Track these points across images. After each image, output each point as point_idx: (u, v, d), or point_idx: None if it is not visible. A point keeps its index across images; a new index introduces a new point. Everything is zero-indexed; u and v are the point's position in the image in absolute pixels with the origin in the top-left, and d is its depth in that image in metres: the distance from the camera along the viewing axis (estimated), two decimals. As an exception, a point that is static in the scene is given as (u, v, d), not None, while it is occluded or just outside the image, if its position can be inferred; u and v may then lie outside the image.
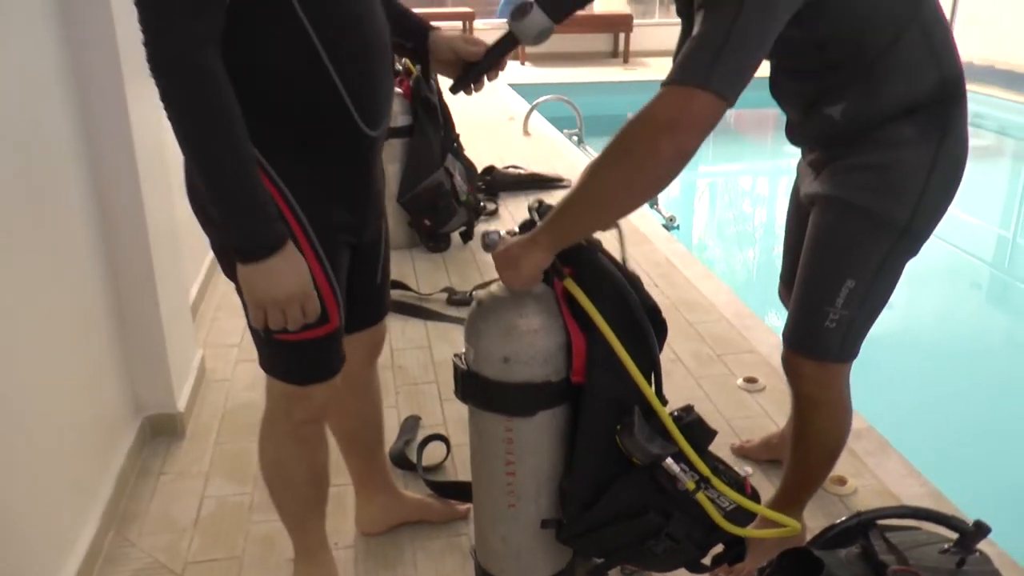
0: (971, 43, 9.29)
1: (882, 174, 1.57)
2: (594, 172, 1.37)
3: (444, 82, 1.78)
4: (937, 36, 1.52)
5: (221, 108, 1.25)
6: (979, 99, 8.65)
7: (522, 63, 10.41)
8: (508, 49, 1.59)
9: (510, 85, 8.64)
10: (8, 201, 1.72)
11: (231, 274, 1.46)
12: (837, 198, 1.63)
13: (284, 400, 1.61)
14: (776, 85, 1.70)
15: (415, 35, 1.67)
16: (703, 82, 1.26)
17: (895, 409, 3.45)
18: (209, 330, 3.17)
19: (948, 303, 5.09)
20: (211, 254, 3.60)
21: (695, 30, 1.30)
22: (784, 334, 1.77)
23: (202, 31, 1.23)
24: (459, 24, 10.34)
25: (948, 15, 8.29)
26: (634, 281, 1.55)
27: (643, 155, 1.31)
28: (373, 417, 1.99)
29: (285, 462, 1.68)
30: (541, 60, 10.39)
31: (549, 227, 1.44)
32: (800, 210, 1.85)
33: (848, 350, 1.71)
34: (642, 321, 1.51)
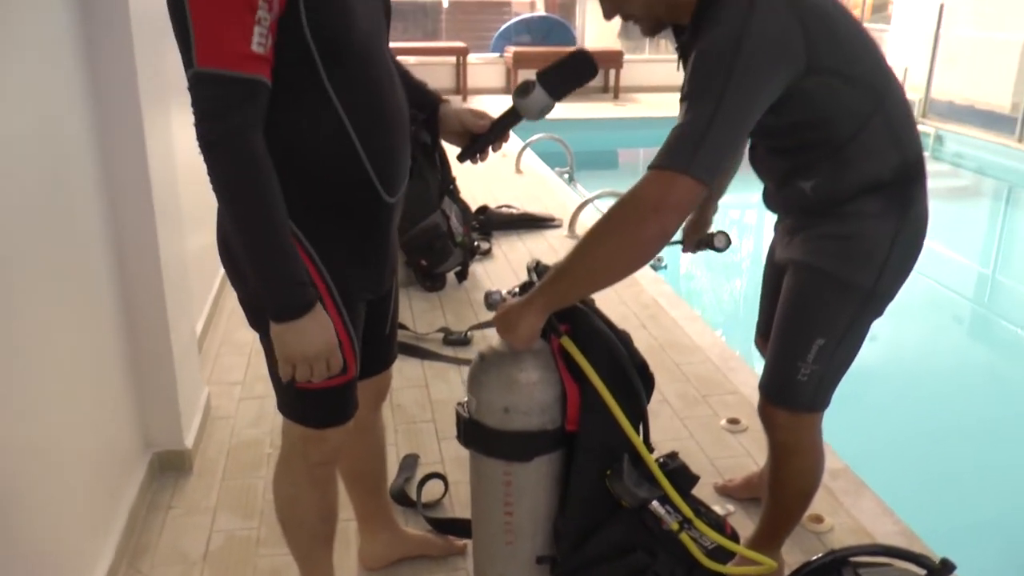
0: (951, 83, 9.54)
1: (848, 244, 1.72)
2: (586, 245, 1.52)
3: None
4: (899, 124, 1.67)
5: (265, 188, 1.38)
6: (959, 139, 8.86)
7: (514, 98, 10.60)
8: (511, 124, 1.74)
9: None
10: (31, 238, 1.81)
11: (256, 326, 1.59)
12: (808, 264, 1.77)
13: (301, 442, 1.72)
14: (754, 157, 1.85)
15: (428, 106, 1.81)
16: (685, 168, 1.41)
17: (873, 447, 3.58)
18: (213, 367, 3.28)
19: (929, 338, 5.21)
20: (214, 291, 3.74)
21: (679, 119, 1.45)
22: (760, 385, 1.90)
23: (250, 116, 1.36)
24: (453, 59, 10.54)
25: (928, 57, 8.51)
26: (624, 339, 1.68)
27: (630, 233, 1.47)
28: (377, 458, 2.11)
29: (299, 500, 1.80)
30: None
31: (543, 293, 1.57)
32: (775, 269, 1.99)
33: (819, 401, 1.85)
34: (631, 376, 1.64)
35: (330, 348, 1.49)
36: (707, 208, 2.30)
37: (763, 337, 2.09)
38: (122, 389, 2.39)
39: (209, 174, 1.38)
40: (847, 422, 3.49)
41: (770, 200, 1.89)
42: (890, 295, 1.79)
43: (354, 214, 1.59)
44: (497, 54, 11.46)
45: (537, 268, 1.73)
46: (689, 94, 1.46)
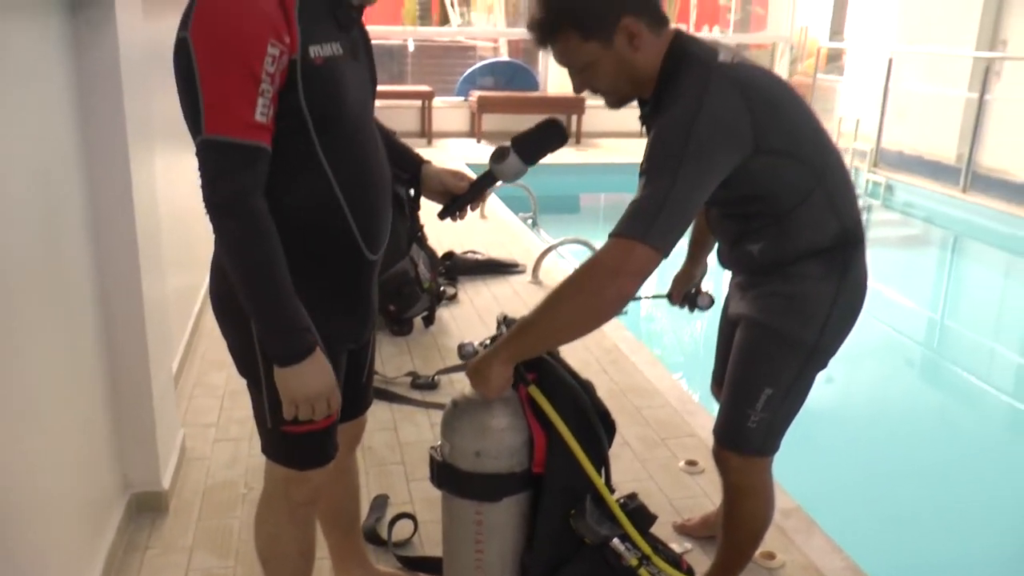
0: (901, 135, 9.88)
1: (793, 302, 1.88)
2: (551, 303, 1.67)
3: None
4: (838, 197, 1.84)
5: (268, 245, 1.51)
6: (908, 189, 9.17)
7: (478, 141, 10.79)
8: (488, 185, 1.89)
9: (468, 164, 8.99)
10: (21, 280, 1.87)
11: (246, 373, 1.70)
12: (756, 320, 1.93)
13: (284, 483, 1.82)
14: (709, 220, 2.02)
15: (410, 167, 1.96)
16: (643, 236, 1.57)
17: (825, 487, 3.72)
18: (187, 409, 3.36)
19: (880, 382, 5.39)
20: (187, 334, 3.82)
21: (638, 192, 1.61)
22: (714, 430, 2.04)
23: (253, 180, 1.48)
24: (419, 103, 10.72)
25: (879, 109, 8.83)
26: (587, 388, 1.82)
27: (590, 295, 1.63)
28: (352, 499, 2.22)
29: (281, 539, 1.89)
30: (497, 139, 10.75)
31: (509, 345, 1.72)
32: (729, 322, 2.14)
33: (768, 446, 1.99)
34: (594, 423, 1.78)
35: (330, 388, 1.61)
36: (696, 263, 2.43)
37: (718, 385, 2.24)
38: (103, 430, 2.47)
39: (215, 233, 1.51)
40: (801, 463, 3.65)
41: (723, 258, 2.05)
42: (832, 350, 1.95)
43: (339, 269, 1.72)
44: (462, 98, 11.65)
45: (506, 321, 1.87)
46: (648, 170, 1.62)
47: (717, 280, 2.33)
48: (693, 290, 2.44)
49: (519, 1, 17.49)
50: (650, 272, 1.61)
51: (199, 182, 1.49)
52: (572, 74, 1.82)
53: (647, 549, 1.79)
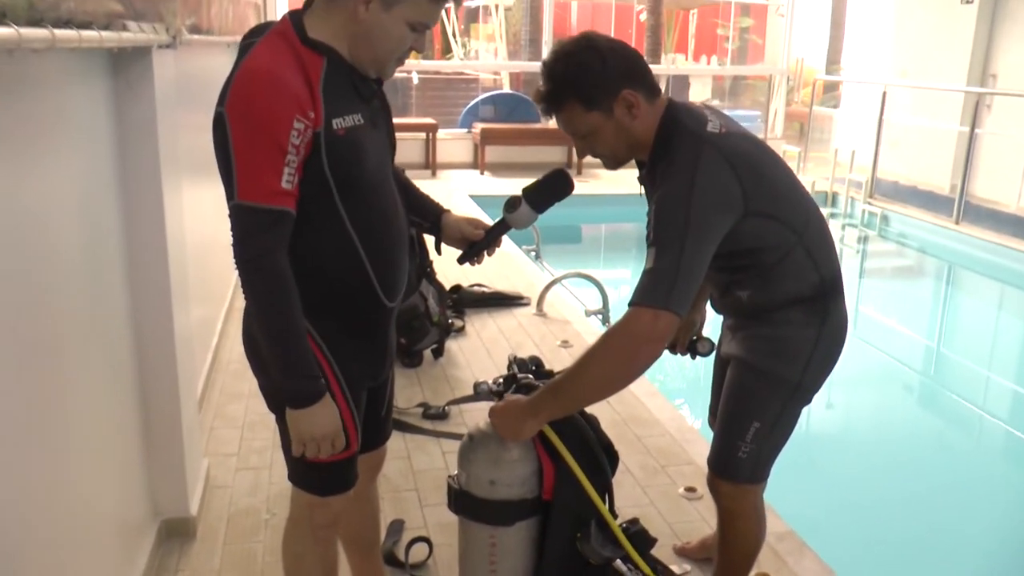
0: (895, 165, 10.10)
1: (777, 345, 2.06)
2: (584, 368, 1.86)
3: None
4: (817, 251, 2.03)
5: (287, 299, 1.69)
6: (903, 220, 9.36)
7: (481, 173, 11.01)
8: (502, 233, 2.07)
9: (471, 196, 9.19)
10: (69, 316, 2.04)
11: (274, 409, 1.89)
12: (744, 360, 2.11)
13: (307, 507, 1.99)
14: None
15: (430, 217, 2.14)
16: (664, 304, 1.77)
17: (819, 512, 3.88)
18: (209, 440, 3.52)
19: (877, 408, 5.56)
20: (207, 367, 4.00)
21: (648, 263, 1.81)
22: (708, 460, 2.22)
23: (278, 240, 1.66)
24: (423, 135, 10.94)
25: (873, 140, 9.04)
26: (592, 422, 1.99)
27: (624, 361, 1.83)
28: (372, 523, 2.38)
29: (305, 558, 2.06)
30: (500, 171, 11.00)
31: (546, 406, 1.90)
32: (722, 361, 2.31)
33: (758, 475, 2.16)
34: (598, 454, 1.95)
35: (335, 431, 1.79)
36: (696, 311, 2.58)
37: (714, 417, 2.41)
38: (136, 460, 2.64)
39: (243, 286, 1.69)
40: (797, 489, 3.83)
41: (715, 304, 2.24)
42: (814, 388, 2.13)
43: (360, 317, 1.90)
44: (465, 130, 11.88)
45: (516, 361, 2.05)
46: (656, 241, 1.82)
47: (714, 326, 2.49)
48: (694, 337, 2.60)
49: (519, 32, 17.82)
50: (674, 333, 1.82)
51: (231, 239, 1.68)
52: (576, 140, 2.02)
53: (647, 570, 1.96)
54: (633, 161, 2.09)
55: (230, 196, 1.66)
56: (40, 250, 1.82)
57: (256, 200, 1.63)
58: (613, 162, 2.06)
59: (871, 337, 6.94)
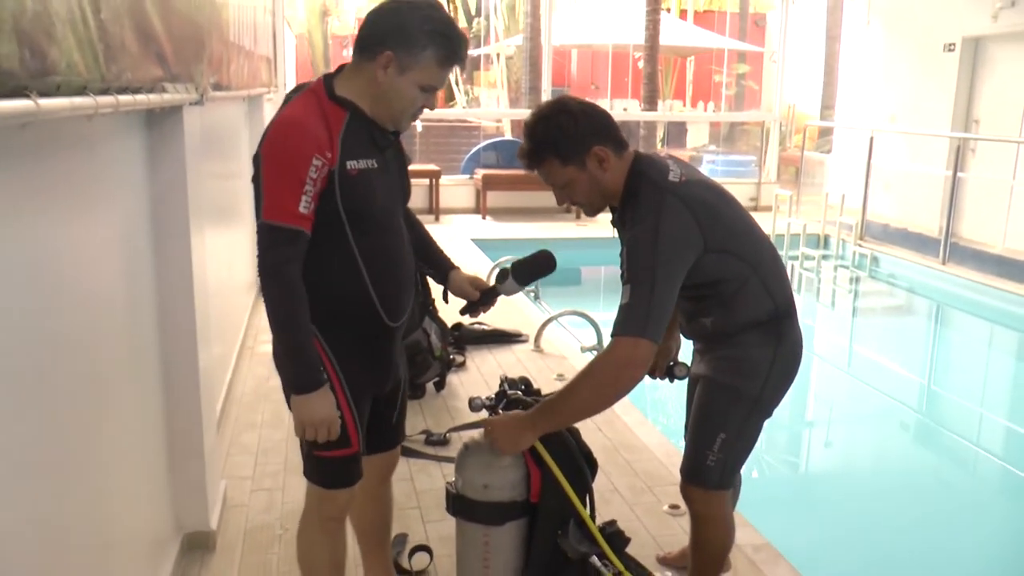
0: (886, 208, 10.40)
1: (738, 364, 2.33)
2: (574, 390, 2.17)
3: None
4: (770, 281, 2.31)
5: (295, 303, 2.02)
6: (892, 261, 9.63)
7: (483, 217, 11.32)
8: (493, 297, 2.42)
9: (473, 240, 9.49)
10: (109, 350, 2.31)
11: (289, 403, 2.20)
12: (710, 378, 2.37)
13: (316, 499, 2.29)
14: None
15: (440, 270, 2.49)
16: (642, 333, 2.06)
17: (809, 542, 4.09)
18: (225, 464, 3.77)
19: (869, 442, 5.76)
20: (222, 398, 4.26)
21: (624, 298, 2.10)
22: (680, 469, 2.47)
23: (292, 254, 1.99)
24: (427, 181, 11.26)
25: (863, 182, 9.33)
26: (573, 432, 2.26)
27: (609, 383, 2.13)
28: (383, 520, 2.64)
29: (314, 547, 2.34)
30: (501, 215, 11.32)
31: (541, 421, 2.17)
32: (692, 381, 2.58)
33: (725, 482, 2.41)
34: (579, 461, 2.21)
35: (331, 419, 2.09)
36: (671, 337, 2.82)
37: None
38: (163, 479, 2.89)
39: (262, 290, 2.02)
40: (790, 521, 4.05)
41: (684, 330, 2.53)
42: (774, 402, 2.40)
43: (363, 332, 2.21)
44: (467, 176, 12.22)
45: (507, 381, 2.32)
46: (630, 280, 2.12)
47: (689, 352, 2.75)
48: (671, 362, 2.84)
49: (520, 80, 18.29)
50: (652, 359, 2.12)
51: (255, 255, 2.02)
52: (555, 190, 2.33)
53: (620, 566, 2.20)
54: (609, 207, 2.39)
55: (258, 216, 2.01)
56: (83, 292, 2.09)
57: (277, 220, 1.97)
58: (591, 209, 2.37)
59: (863, 374, 7.18)
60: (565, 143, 2.23)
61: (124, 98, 1.74)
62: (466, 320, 5.72)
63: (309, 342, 2.05)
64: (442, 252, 2.51)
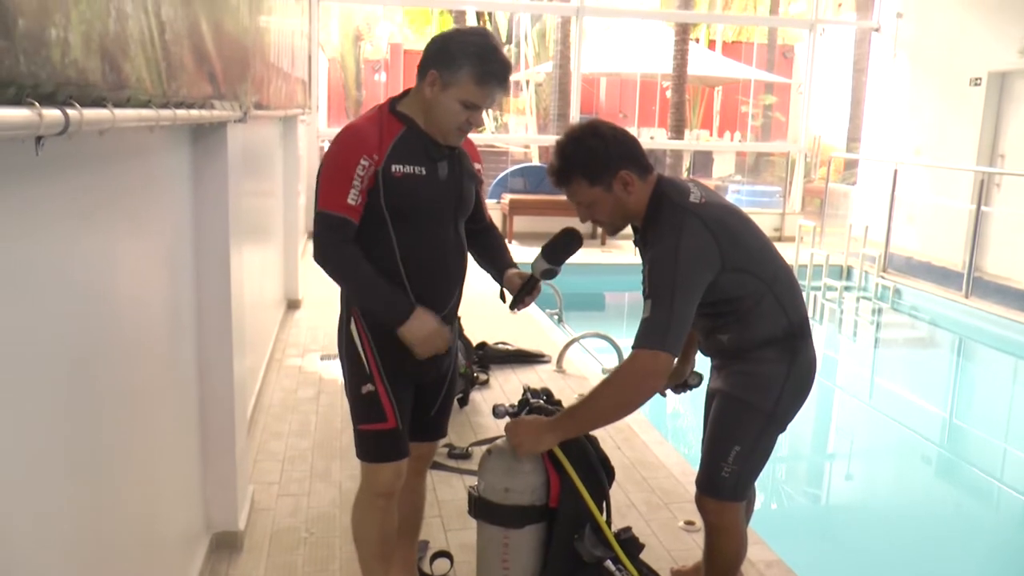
0: (909, 240, 10.42)
1: (754, 379, 2.43)
2: (596, 398, 2.29)
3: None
4: (785, 300, 2.41)
5: (357, 267, 2.28)
6: (915, 294, 9.63)
7: (510, 242, 11.44)
8: (534, 282, 2.51)
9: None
10: (152, 356, 2.44)
11: (348, 391, 2.48)
12: (727, 392, 2.47)
13: (365, 474, 2.49)
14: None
15: (498, 270, 2.65)
16: (661, 346, 2.18)
17: (821, 559, 4.16)
18: (253, 470, 3.89)
19: (892, 475, 5.77)
20: (251, 408, 4.38)
21: (645, 313, 2.21)
22: (696, 480, 2.56)
23: (342, 236, 2.27)
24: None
25: (886, 215, 9.36)
26: (592, 440, 2.35)
27: (630, 392, 2.26)
28: (416, 513, 2.79)
29: (364, 521, 2.53)
30: (527, 240, 11.41)
31: (563, 426, 2.28)
32: (709, 396, 2.67)
33: (739, 494, 2.50)
34: (596, 468, 2.31)
35: (436, 331, 2.32)
36: (685, 364, 2.92)
37: None
38: (196, 480, 3.01)
39: (328, 272, 2.31)
40: (811, 552, 4.10)
41: (702, 347, 2.63)
42: (788, 417, 2.48)
43: None
44: (494, 200, 12.36)
45: (530, 391, 2.43)
46: (651, 295, 2.23)
47: (705, 367, 2.84)
48: (684, 380, 2.93)
49: (549, 107, 18.48)
50: (670, 371, 2.25)
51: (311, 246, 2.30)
52: (579, 208, 2.45)
53: (634, 571, 2.29)
54: (630, 228, 2.51)
55: (316, 206, 2.31)
56: (131, 299, 2.20)
57: (329, 208, 2.26)
58: (611, 228, 2.49)
59: (884, 406, 7.19)
60: (594, 165, 2.35)
61: (181, 112, 1.88)
62: (490, 340, 5.87)
63: (381, 284, 2.29)
64: (504, 256, 2.68)
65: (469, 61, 2.23)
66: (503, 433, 2.39)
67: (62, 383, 1.66)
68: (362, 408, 2.45)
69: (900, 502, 5.30)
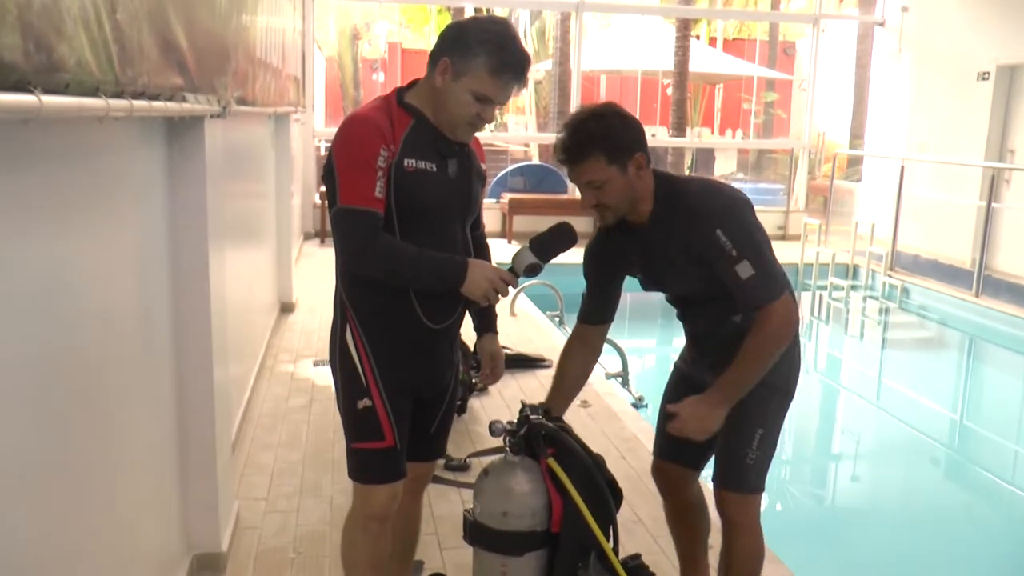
0: (917, 239, 10.22)
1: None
2: (752, 358, 2.24)
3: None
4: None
5: (398, 255, 2.11)
6: (924, 292, 9.45)
7: (509, 242, 11.25)
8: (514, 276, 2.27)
9: (498, 264, 9.41)
10: (121, 365, 2.25)
11: (340, 405, 2.29)
12: None
13: (358, 496, 2.30)
14: (692, 312, 2.50)
15: (481, 321, 2.57)
16: (782, 291, 2.24)
17: (833, 571, 4.00)
18: (240, 485, 3.70)
19: (900, 477, 5.64)
20: (240, 416, 4.19)
21: (747, 272, 2.19)
22: (714, 478, 2.45)
23: (372, 232, 2.08)
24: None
25: (892, 211, 9.17)
26: (598, 460, 2.16)
27: (784, 341, 2.26)
28: (410, 538, 2.61)
29: (354, 546, 2.34)
30: (526, 239, 11.24)
31: (729, 394, 2.26)
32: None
33: (760, 483, 2.43)
34: (603, 491, 2.11)
35: (493, 277, 2.17)
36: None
37: (667, 457, 2.64)
38: (174, 498, 2.82)
39: (369, 271, 2.15)
40: (823, 557, 3.95)
41: (706, 341, 2.51)
42: (794, 392, 2.47)
43: (402, 331, 2.23)
44: (494, 200, 12.17)
45: (527, 407, 2.23)
46: (744, 254, 2.19)
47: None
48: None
49: (549, 105, 18.30)
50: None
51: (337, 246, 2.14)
52: (588, 189, 2.29)
53: (646, 603, 2.10)
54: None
55: (332, 204, 2.12)
56: (96, 305, 2.04)
57: (354, 203, 2.07)
58: (612, 215, 2.35)
59: (893, 408, 7.02)
60: (615, 142, 2.25)
61: (139, 103, 1.69)
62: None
63: (429, 257, 2.13)
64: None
65: (485, 50, 2.10)
66: (503, 444, 2.21)
67: (17, 396, 1.52)
68: (357, 425, 2.26)
69: (909, 506, 5.17)
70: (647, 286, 2.55)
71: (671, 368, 2.75)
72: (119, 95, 1.60)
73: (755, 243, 2.22)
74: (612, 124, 2.27)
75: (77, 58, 1.33)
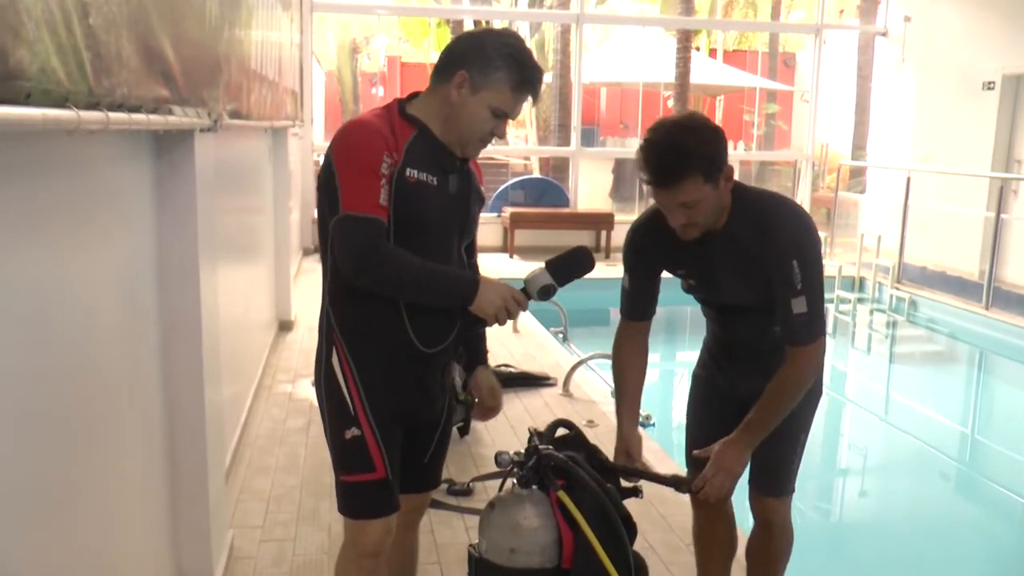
0: (923, 251, 10.08)
1: None
2: (780, 398, 2.24)
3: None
4: None
5: (404, 265, 1.97)
6: (932, 305, 9.30)
7: (511, 256, 11.14)
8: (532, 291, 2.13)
9: (500, 279, 9.29)
10: (108, 388, 2.14)
11: (328, 436, 2.18)
12: None
13: (349, 532, 2.17)
14: (736, 320, 2.45)
15: (470, 354, 2.46)
16: (822, 332, 2.24)
17: None
18: (235, 512, 3.56)
19: (910, 492, 5.52)
20: (235, 441, 4.06)
21: (802, 307, 2.18)
22: (758, 486, 2.48)
23: (376, 239, 1.95)
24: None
25: (898, 223, 9.04)
26: (611, 494, 2.03)
27: (810, 381, 2.28)
28: (408, 569, 2.49)
29: None
30: (528, 254, 11.11)
31: (755, 436, 2.25)
32: (738, 403, 2.43)
33: (794, 484, 2.49)
34: (616, 525, 1.98)
35: (505, 296, 2.04)
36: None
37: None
38: (163, 527, 2.69)
39: (374, 285, 2.00)
40: (828, 563, 3.83)
41: (744, 350, 2.47)
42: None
43: (393, 355, 2.10)
44: (495, 214, 12.06)
45: (536, 434, 2.10)
46: (805, 289, 2.17)
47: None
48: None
49: (549, 118, 18.20)
50: None
51: (338, 252, 1.99)
52: (680, 209, 2.16)
53: (665, 644, 1.96)
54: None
55: (334, 213, 1.97)
56: (81, 324, 1.92)
57: (358, 211, 1.94)
58: (698, 230, 2.24)
59: (902, 422, 6.88)
60: (711, 159, 2.14)
61: (116, 115, 1.56)
62: (492, 362, 5.53)
63: (435, 271, 2.02)
64: (480, 345, 2.51)
65: (507, 64, 2.02)
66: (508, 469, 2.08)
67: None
68: (346, 456, 2.13)
69: (919, 521, 5.06)
70: (693, 290, 2.47)
71: (674, 380, 2.69)
72: (94, 106, 1.47)
73: (818, 285, 2.21)
74: (710, 140, 2.14)
75: (40, 65, 1.20)
